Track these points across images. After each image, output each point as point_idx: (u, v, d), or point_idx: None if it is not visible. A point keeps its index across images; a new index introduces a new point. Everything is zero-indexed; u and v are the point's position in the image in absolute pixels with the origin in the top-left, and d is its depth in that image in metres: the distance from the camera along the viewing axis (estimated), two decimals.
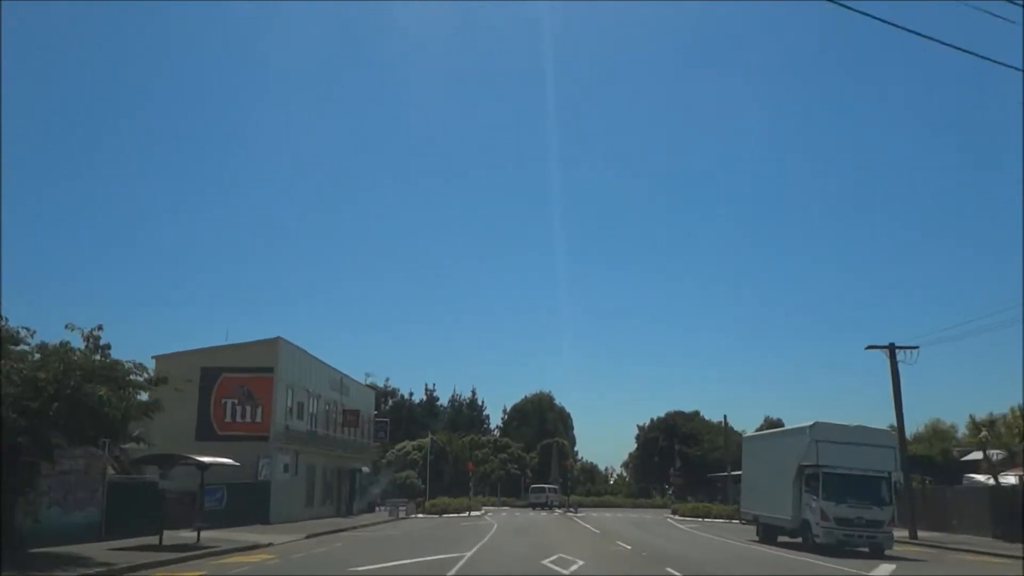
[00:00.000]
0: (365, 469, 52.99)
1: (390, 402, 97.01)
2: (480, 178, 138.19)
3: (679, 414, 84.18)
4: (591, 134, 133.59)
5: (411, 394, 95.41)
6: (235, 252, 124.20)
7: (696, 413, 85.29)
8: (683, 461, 77.18)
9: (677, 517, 51.84)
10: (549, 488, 69.54)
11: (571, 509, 59.95)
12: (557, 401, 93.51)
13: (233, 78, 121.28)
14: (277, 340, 38.02)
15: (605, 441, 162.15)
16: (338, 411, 48.82)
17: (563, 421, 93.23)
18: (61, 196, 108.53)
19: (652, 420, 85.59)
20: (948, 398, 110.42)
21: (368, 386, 59.51)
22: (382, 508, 50.82)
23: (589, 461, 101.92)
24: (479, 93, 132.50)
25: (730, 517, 48.13)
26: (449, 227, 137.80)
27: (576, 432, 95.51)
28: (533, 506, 66.76)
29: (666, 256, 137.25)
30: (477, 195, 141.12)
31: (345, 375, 50.71)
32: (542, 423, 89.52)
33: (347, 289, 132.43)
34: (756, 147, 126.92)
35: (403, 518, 47.32)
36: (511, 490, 76.52)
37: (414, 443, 79.67)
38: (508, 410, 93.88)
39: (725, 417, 57.23)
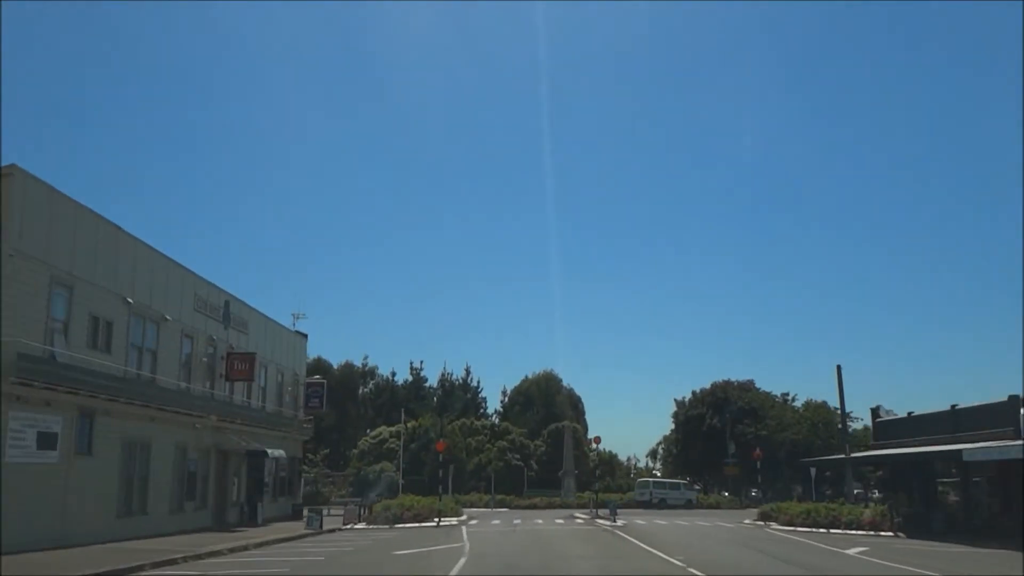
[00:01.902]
0: (277, 453, 33.39)
1: (370, 383, 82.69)
2: (473, 157, 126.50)
3: (729, 384, 64.41)
4: (586, 112, 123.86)
5: (394, 374, 78.97)
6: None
7: (751, 382, 65.64)
8: (739, 445, 57.66)
9: (777, 527, 32.01)
10: (657, 482, 49.64)
11: (600, 513, 39.14)
12: (566, 383, 77.57)
13: (231, 76, 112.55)
14: (10, 172, 18.32)
15: (622, 430, 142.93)
16: (217, 353, 29.43)
17: (574, 406, 77.02)
18: None
19: (694, 393, 65.59)
20: None
21: (297, 333, 40.05)
22: (327, 513, 31.77)
23: (606, 451, 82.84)
24: (471, 74, 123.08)
25: (876, 528, 28.66)
26: (442, 202, 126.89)
27: (588, 418, 78.38)
28: (646, 506, 46.38)
29: (668, 230, 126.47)
30: (472, 171, 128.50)
31: (234, 297, 31.26)
32: (549, 407, 73.52)
33: (329, 259, 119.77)
34: (756, 119, 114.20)
35: (329, 531, 28.30)
36: (511, 486, 57.10)
37: (391, 429, 62.98)
38: (509, 392, 78.46)
39: (838, 368, 35.80)
